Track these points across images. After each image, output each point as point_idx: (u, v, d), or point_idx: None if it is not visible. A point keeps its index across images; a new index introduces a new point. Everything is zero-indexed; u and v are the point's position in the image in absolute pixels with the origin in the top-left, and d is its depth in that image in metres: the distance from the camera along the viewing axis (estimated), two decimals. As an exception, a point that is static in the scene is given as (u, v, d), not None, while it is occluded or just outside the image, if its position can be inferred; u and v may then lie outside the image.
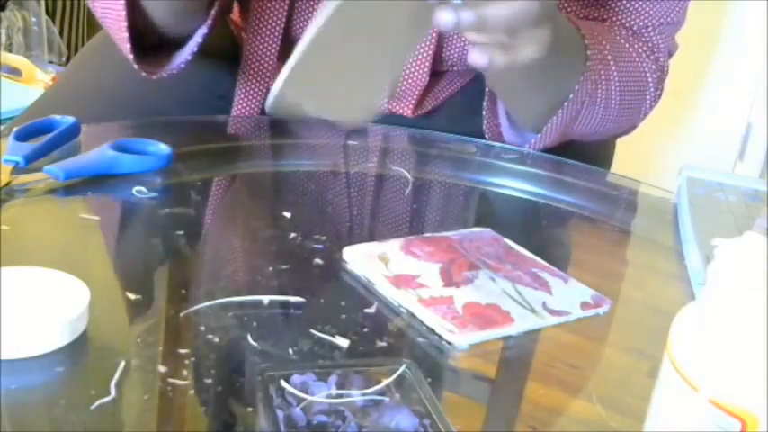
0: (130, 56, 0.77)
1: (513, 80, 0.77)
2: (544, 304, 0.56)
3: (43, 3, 2.35)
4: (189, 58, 0.80)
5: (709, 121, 2.04)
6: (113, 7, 0.75)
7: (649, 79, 0.85)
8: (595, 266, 0.68)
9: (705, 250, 0.65)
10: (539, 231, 0.74)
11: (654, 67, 0.86)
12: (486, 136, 0.86)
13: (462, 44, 0.86)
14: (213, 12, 0.79)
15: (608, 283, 0.63)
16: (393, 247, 0.61)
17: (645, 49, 0.85)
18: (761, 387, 0.33)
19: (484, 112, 0.84)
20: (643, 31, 0.85)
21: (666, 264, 0.69)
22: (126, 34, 0.75)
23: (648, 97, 0.87)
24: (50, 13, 2.39)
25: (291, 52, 0.80)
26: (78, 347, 0.46)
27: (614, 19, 0.85)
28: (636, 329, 0.59)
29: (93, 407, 0.41)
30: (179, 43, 0.81)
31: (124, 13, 0.74)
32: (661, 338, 0.37)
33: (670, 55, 0.89)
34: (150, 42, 0.79)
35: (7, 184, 0.62)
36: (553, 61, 0.75)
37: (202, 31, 0.79)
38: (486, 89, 0.83)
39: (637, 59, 0.84)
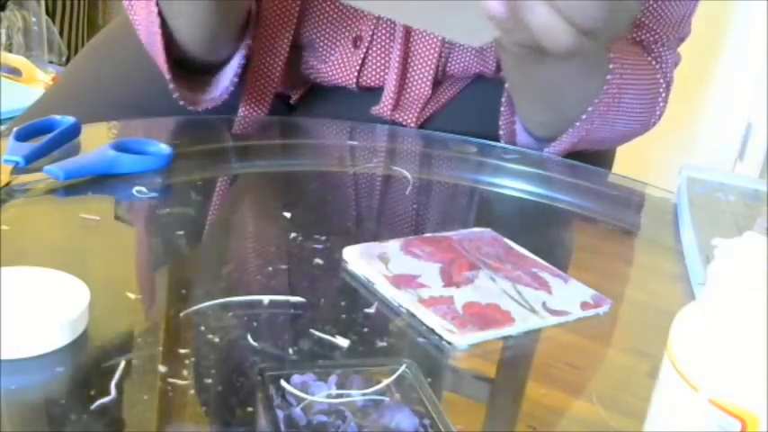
0: (171, 85, 0.79)
1: (534, 77, 0.76)
2: (544, 304, 0.56)
3: (43, 3, 2.35)
4: (231, 88, 0.82)
5: (709, 121, 2.04)
6: (155, 38, 0.76)
7: (659, 97, 0.86)
8: (595, 266, 0.68)
9: (705, 250, 0.65)
10: (539, 231, 0.74)
11: (663, 82, 0.86)
12: (501, 137, 0.86)
13: (465, 58, 0.87)
14: (246, 42, 0.80)
15: (608, 283, 0.63)
16: (393, 247, 0.61)
17: (655, 65, 0.85)
18: (761, 387, 0.33)
19: (501, 108, 0.84)
20: (653, 46, 0.85)
21: (666, 264, 0.69)
22: (165, 65, 0.77)
23: (658, 111, 0.87)
24: (50, 13, 2.39)
25: (298, 59, 0.81)
26: (78, 347, 0.46)
27: (626, 35, 0.85)
28: (636, 329, 0.59)
29: (93, 407, 0.41)
30: (212, 69, 0.82)
31: (161, 47, 0.76)
32: (661, 338, 0.37)
33: (675, 66, 0.89)
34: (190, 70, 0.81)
35: (7, 184, 0.62)
36: (576, 73, 0.75)
37: (239, 61, 0.80)
38: (504, 93, 0.83)
39: (651, 77, 0.84)
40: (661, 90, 0.86)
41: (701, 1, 0.87)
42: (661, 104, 0.87)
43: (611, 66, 0.77)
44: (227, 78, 0.82)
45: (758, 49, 1.93)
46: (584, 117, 0.77)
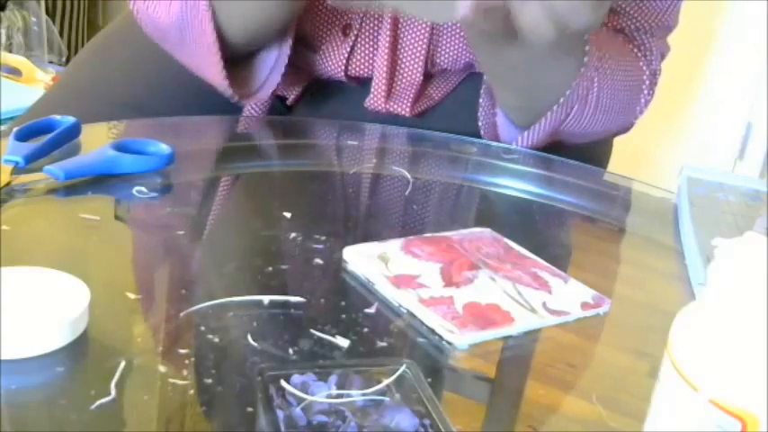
0: (225, 81, 0.78)
1: (503, 58, 0.76)
2: (544, 304, 0.56)
3: (43, 3, 2.35)
4: (277, 81, 0.82)
5: (709, 121, 2.04)
6: (200, 36, 0.76)
7: (642, 85, 0.85)
8: (595, 266, 0.68)
9: (705, 250, 0.65)
10: (539, 231, 0.74)
11: (647, 71, 0.86)
12: (482, 132, 0.86)
13: (454, 46, 0.87)
14: (289, 38, 0.81)
15: (608, 282, 0.63)
16: (393, 247, 0.61)
17: (638, 52, 0.85)
18: (761, 387, 0.33)
19: (480, 100, 0.84)
20: (635, 34, 0.85)
21: (666, 264, 0.69)
22: (221, 64, 0.77)
23: (643, 100, 0.86)
24: (50, 13, 2.39)
25: (299, 56, 0.81)
26: (78, 347, 0.46)
27: (606, 22, 0.85)
28: (635, 329, 0.59)
29: (93, 407, 0.41)
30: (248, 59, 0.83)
31: (216, 45, 0.76)
32: (661, 338, 0.37)
33: (662, 57, 0.89)
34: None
35: (7, 184, 0.62)
36: (551, 59, 0.74)
37: (280, 56, 0.81)
38: (483, 85, 0.83)
39: (633, 64, 0.84)
40: (645, 78, 0.85)
41: (701, 0, 0.87)
42: (646, 93, 0.86)
43: (586, 48, 0.76)
44: (266, 67, 0.82)
45: (758, 49, 1.93)
46: (561, 100, 0.76)
